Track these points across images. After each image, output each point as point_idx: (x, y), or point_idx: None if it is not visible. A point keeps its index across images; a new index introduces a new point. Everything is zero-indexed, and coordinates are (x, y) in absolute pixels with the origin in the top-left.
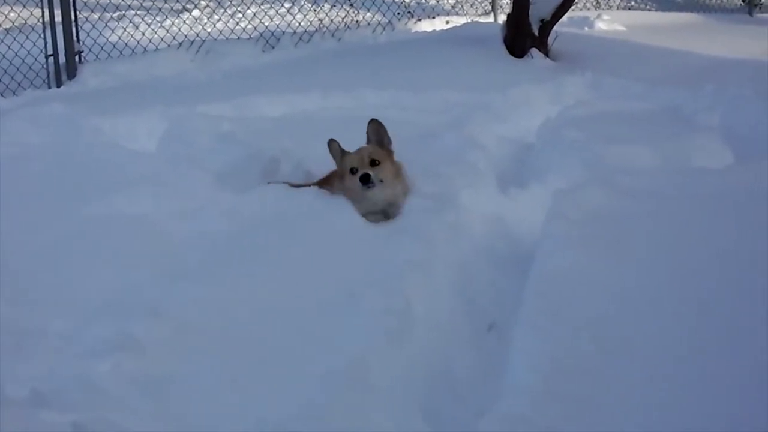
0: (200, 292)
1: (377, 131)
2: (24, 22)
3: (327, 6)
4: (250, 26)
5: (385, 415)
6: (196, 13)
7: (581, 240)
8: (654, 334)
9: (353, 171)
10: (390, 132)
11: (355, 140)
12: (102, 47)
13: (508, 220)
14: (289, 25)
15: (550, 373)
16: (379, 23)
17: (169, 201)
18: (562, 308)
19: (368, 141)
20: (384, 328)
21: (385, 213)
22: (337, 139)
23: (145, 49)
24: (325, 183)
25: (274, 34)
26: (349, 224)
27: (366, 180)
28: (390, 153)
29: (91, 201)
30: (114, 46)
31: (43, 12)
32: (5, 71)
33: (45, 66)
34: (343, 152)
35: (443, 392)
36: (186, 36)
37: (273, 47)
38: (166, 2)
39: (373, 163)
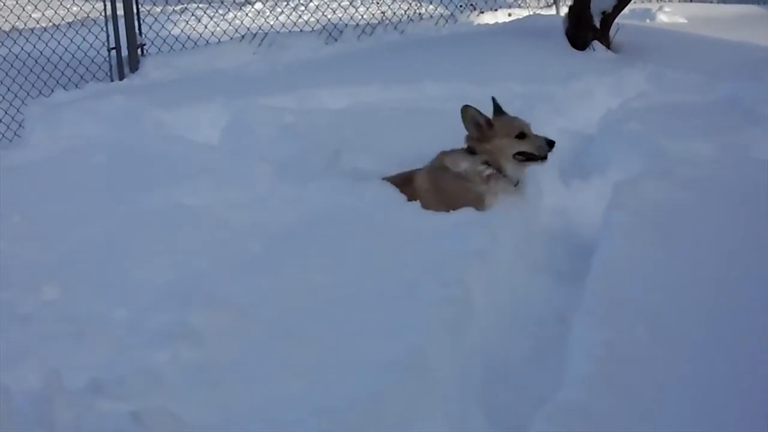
0: (260, 281)
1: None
2: (86, 15)
3: None
4: (312, 19)
5: (442, 405)
6: (258, 6)
7: (640, 230)
8: (708, 324)
9: (521, 136)
10: (452, 124)
11: (415, 131)
12: (164, 40)
13: (570, 211)
14: (351, 17)
15: (607, 362)
16: (441, 15)
17: (230, 192)
18: (620, 297)
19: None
20: (442, 318)
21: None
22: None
23: (207, 41)
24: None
25: (337, 26)
26: (410, 215)
27: (552, 144)
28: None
29: (152, 192)
30: (176, 39)
31: (105, 5)
32: (68, 65)
33: (107, 59)
34: (495, 115)
35: (501, 381)
36: (248, 29)
37: (336, 40)
38: None
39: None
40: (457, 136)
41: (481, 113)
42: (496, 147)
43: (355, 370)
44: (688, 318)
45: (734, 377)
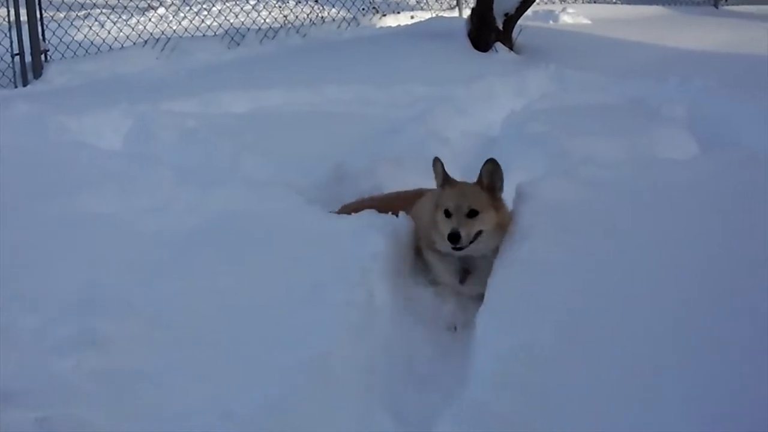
0: (166, 287)
1: (491, 174)
2: None
3: (292, 2)
4: (215, 23)
5: (349, 407)
6: (161, 11)
7: (544, 231)
8: (613, 324)
9: (447, 214)
10: (356, 127)
11: (318, 135)
12: (68, 46)
13: None
14: (254, 21)
15: (512, 362)
16: (344, 19)
17: (135, 198)
18: (525, 298)
19: (479, 180)
20: (347, 321)
21: (464, 270)
22: (441, 160)
23: (110, 47)
24: (388, 206)
25: (239, 31)
26: (312, 219)
27: (454, 239)
28: (496, 200)
29: (55, 199)
30: (80, 45)
31: (8, 11)
32: None
33: (11, 65)
34: (446, 179)
35: (407, 383)
36: (151, 34)
37: (238, 44)
38: (131, 0)
39: (472, 213)
40: (357, 139)
41: (443, 170)
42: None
43: (262, 374)
44: (594, 318)
45: (640, 375)
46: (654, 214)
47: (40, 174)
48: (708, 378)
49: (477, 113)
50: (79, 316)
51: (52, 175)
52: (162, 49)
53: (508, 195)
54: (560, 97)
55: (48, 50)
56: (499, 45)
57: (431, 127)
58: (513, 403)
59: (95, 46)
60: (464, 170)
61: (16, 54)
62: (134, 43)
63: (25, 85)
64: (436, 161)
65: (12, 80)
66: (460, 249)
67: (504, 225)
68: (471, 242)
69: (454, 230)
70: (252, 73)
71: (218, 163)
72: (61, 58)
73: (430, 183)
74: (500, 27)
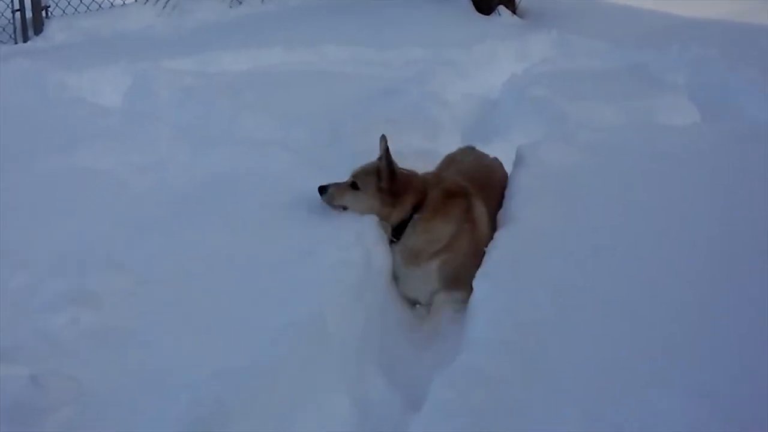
0: (159, 245)
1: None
2: None
3: None
4: None
5: (341, 368)
6: None
7: (543, 195)
8: (607, 289)
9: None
10: (354, 88)
11: (316, 94)
12: (69, 2)
13: None
14: None
15: (507, 327)
16: None
17: (131, 155)
18: (520, 262)
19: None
20: (341, 281)
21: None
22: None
23: (112, 3)
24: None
25: None
26: (308, 180)
27: (320, 191)
28: (394, 194)
29: (51, 155)
30: (81, 1)
31: None
32: None
33: (11, 21)
34: (385, 155)
35: (400, 346)
36: None
37: (240, 3)
38: None
39: (354, 185)
40: (355, 99)
41: (386, 147)
42: None
43: (253, 333)
44: (589, 283)
45: (632, 341)
46: (652, 179)
47: (36, 130)
48: (702, 345)
49: (478, 76)
50: (70, 273)
51: (48, 130)
52: (163, 7)
53: (508, 157)
54: (562, 62)
55: (49, 6)
56: (501, 8)
57: (431, 88)
58: (507, 367)
59: (96, 2)
60: (464, 133)
61: (17, 10)
62: (135, 1)
63: (25, 41)
64: (383, 138)
65: (12, 36)
66: (323, 200)
67: (388, 218)
68: (343, 209)
69: (325, 185)
70: (252, 32)
71: (216, 121)
72: (62, 15)
73: (428, 144)
74: None
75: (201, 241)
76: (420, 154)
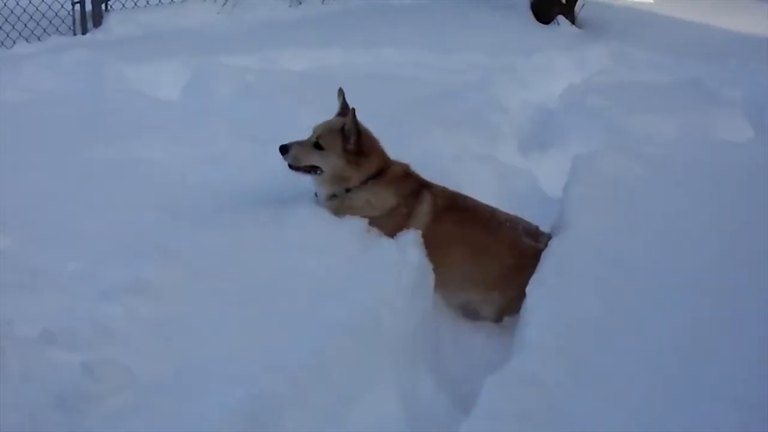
0: (213, 237)
1: (348, 124)
2: None
3: None
4: None
5: (393, 367)
6: None
7: (598, 205)
8: (659, 298)
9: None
10: (413, 91)
11: (373, 96)
12: None
13: (529, 182)
14: None
15: (560, 333)
16: None
17: (188, 149)
18: (578, 271)
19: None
20: (399, 281)
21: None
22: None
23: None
24: None
25: None
26: None
27: (281, 150)
28: (359, 153)
29: (109, 145)
30: None
31: None
32: (31, 17)
33: (71, 13)
34: (343, 110)
35: (452, 347)
36: None
37: (300, 3)
38: None
39: (318, 146)
40: (413, 102)
41: (343, 99)
42: None
43: (306, 329)
44: (642, 292)
45: (683, 350)
46: (707, 193)
47: (95, 120)
48: (750, 354)
49: (536, 84)
50: (125, 261)
51: (106, 121)
52: (224, 4)
53: (565, 166)
54: (619, 73)
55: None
56: (561, 18)
57: (490, 95)
58: (557, 372)
59: None
60: (522, 140)
61: (77, 2)
62: None
63: (84, 33)
64: (340, 92)
65: (71, 28)
66: (290, 166)
67: (348, 180)
68: (306, 171)
69: (287, 143)
70: (313, 32)
71: (275, 119)
72: (121, 8)
73: (486, 149)
74: (563, 0)
75: (256, 235)
76: (478, 159)
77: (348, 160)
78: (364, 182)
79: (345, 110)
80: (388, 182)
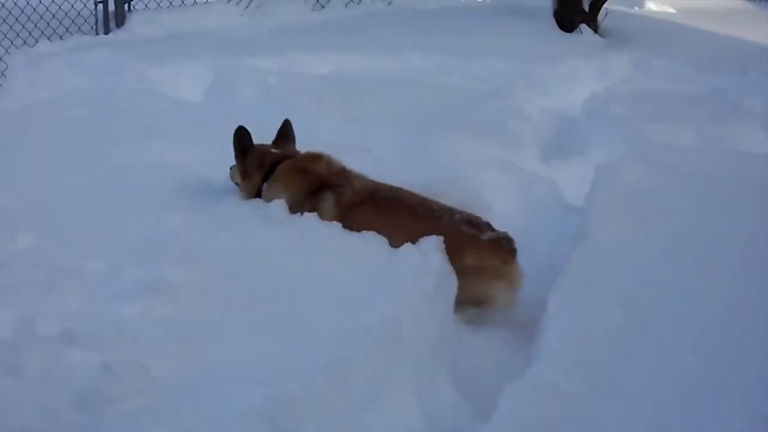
0: (235, 240)
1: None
2: None
3: None
4: None
5: (412, 374)
6: None
7: (620, 214)
8: (682, 309)
9: None
10: (436, 97)
11: (396, 101)
12: None
13: (550, 189)
14: None
15: (579, 342)
16: None
17: (210, 150)
18: (598, 280)
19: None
20: (420, 288)
21: None
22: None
23: (195, 1)
24: None
25: None
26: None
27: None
28: (244, 166)
29: (131, 145)
30: None
31: None
32: (54, 16)
33: (94, 12)
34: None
35: (472, 354)
36: None
37: (323, 7)
38: None
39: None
40: (436, 108)
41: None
42: None
43: (326, 334)
44: (663, 302)
45: (706, 363)
46: (728, 203)
47: (117, 120)
48: None
49: (558, 92)
50: (145, 262)
51: (129, 121)
52: (246, 7)
53: (586, 175)
54: (642, 82)
55: (132, 0)
56: (584, 26)
57: (512, 102)
58: (578, 381)
59: None
60: (543, 148)
61: (100, 1)
62: None
63: (106, 33)
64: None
65: (93, 27)
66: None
67: (246, 192)
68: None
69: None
70: (336, 36)
71: (297, 123)
72: (144, 9)
73: (508, 156)
74: (586, 9)
75: (277, 239)
76: (499, 166)
77: (242, 176)
78: (258, 190)
79: (279, 139)
80: (279, 184)
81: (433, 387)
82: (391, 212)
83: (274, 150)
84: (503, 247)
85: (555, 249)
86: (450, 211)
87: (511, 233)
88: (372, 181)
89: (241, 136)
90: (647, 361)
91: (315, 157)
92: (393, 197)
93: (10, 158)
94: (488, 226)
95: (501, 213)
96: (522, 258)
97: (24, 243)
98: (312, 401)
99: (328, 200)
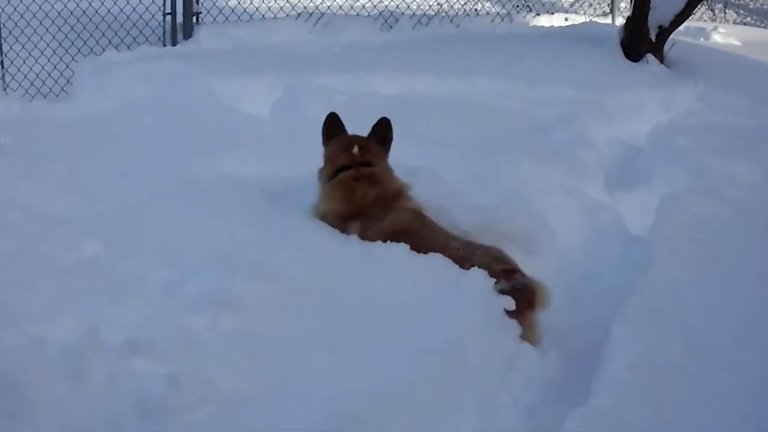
0: (304, 256)
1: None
2: None
3: None
4: (369, 4)
5: (476, 398)
6: None
7: (684, 246)
8: (745, 344)
9: None
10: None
11: (466, 125)
12: (220, 10)
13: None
14: (408, 6)
15: (641, 372)
16: (498, 14)
17: (278, 166)
18: (661, 311)
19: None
20: (486, 311)
21: None
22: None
23: (263, 16)
24: None
25: (393, 14)
26: (463, 215)
27: None
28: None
29: (200, 158)
30: (232, 11)
31: None
32: (122, 25)
33: (162, 24)
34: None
35: (537, 381)
36: (305, 7)
37: (391, 27)
38: None
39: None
40: (503, 133)
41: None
42: None
43: (392, 355)
44: (725, 336)
45: (766, 397)
46: None
47: (184, 132)
48: None
49: (624, 122)
50: (213, 274)
51: (198, 133)
52: (314, 24)
53: (649, 205)
54: (706, 115)
55: (200, 13)
56: (650, 56)
57: (578, 130)
58: (640, 412)
59: (248, 13)
60: (608, 176)
61: (168, 13)
62: (287, 15)
63: (174, 44)
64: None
65: (161, 39)
66: None
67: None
68: None
69: None
70: (403, 57)
71: None
72: (212, 22)
73: (573, 183)
74: (653, 38)
75: (347, 256)
76: (564, 193)
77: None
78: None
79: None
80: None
81: (495, 411)
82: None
83: (355, 151)
84: (519, 300)
85: (616, 278)
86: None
87: (573, 260)
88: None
89: (332, 123)
90: (708, 394)
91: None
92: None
93: (78, 165)
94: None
95: (565, 240)
96: (583, 285)
97: (91, 250)
98: (376, 421)
99: (355, 228)
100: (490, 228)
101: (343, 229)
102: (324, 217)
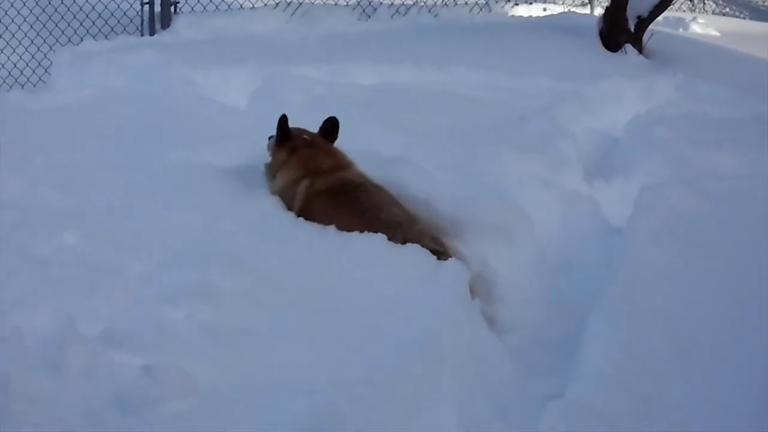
0: (282, 249)
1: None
2: None
3: None
4: None
5: (453, 391)
6: None
7: (664, 237)
8: (724, 335)
9: None
10: (483, 112)
11: (445, 115)
12: (198, 0)
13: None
14: None
15: (622, 365)
16: (476, 3)
17: (257, 157)
18: (640, 302)
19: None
20: (462, 299)
21: None
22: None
23: (241, 5)
24: None
25: (372, 3)
26: (442, 197)
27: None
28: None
29: (178, 149)
30: (210, 0)
31: None
32: (99, 15)
33: (139, 13)
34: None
35: (510, 371)
36: None
37: (369, 17)
38: None
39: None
40: (483, 123)
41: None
42: None
43: (370, 347)
44: (705, 327)
45: (746, 385)
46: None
47: (162, 122)
48: None
49: (603, 112)
50: (191, 266)
51: (175, 124)
52: (292, 14)
53: (628, 196)
54: (686, 105)
55: (178, 2)
56: (629, 47)
57: (557, 120)
58: (619, 404)
59: (225, 2)
60: (587, 167)
61: (146, 2)
62: (265, 5)
63: (152, 34)
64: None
65: (139, 28)
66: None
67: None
68: None
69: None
70: (382, 47)
71: (343, 133)
72: (190, 12)
73: (551, 174)
74: (632, 29)
75: (325, 248)
76: (543, 184)
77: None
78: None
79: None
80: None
81: (472, 405)
82: (341, 209)
83: (306, 137)
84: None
85: (594, 269)
86: (406, 224)
87: (551, 250)
88: (359, 175)
89: (283, 123)
90: (688, 384)
91: (330, 152)
92: (356, 194)
93: (56, 154)
94: (439, 243)
95: (542, 230)
96: (561, 276)
97: (68, 240)
98: (355, 413)
99: (302, 185)
100: (468, 218)
101: (294, 192)
102: (282, 189)
